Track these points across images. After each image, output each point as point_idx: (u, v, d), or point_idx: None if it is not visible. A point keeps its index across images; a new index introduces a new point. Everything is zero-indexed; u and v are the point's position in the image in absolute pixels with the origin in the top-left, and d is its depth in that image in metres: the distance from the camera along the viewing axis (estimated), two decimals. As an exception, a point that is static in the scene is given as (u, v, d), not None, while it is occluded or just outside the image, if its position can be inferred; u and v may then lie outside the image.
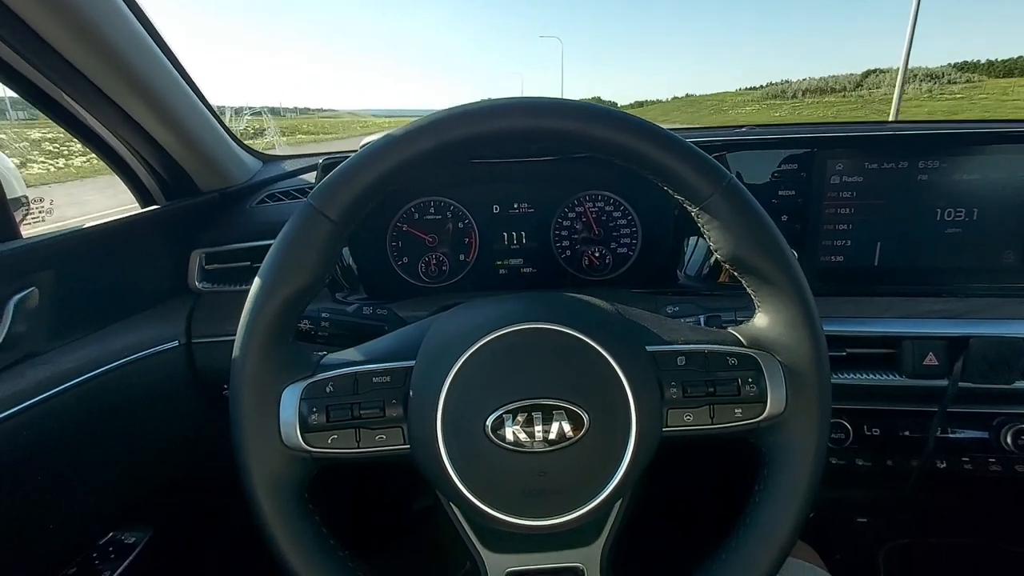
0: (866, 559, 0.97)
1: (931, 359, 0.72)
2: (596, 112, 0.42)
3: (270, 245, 0.43)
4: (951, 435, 0.77)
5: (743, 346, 0.46)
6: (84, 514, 0.71)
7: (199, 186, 0.90)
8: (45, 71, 0.65)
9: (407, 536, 1.19)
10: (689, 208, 0.45)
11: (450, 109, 0.42)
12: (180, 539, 0.92)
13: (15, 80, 0.66)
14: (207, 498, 0.98)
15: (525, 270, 0.94)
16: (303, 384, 0.43)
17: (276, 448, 0.42)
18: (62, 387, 0.64)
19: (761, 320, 0.46)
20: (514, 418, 0.40)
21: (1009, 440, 0.74)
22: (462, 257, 0.93)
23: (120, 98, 0.71)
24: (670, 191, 0.44)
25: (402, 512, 1.23)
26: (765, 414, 0.44)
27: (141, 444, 0.77)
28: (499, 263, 0.94)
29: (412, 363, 0.45)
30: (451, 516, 0.48)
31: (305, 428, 0.42)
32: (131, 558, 0.78)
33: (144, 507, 0.84)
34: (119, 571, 0.75)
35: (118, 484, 0.75)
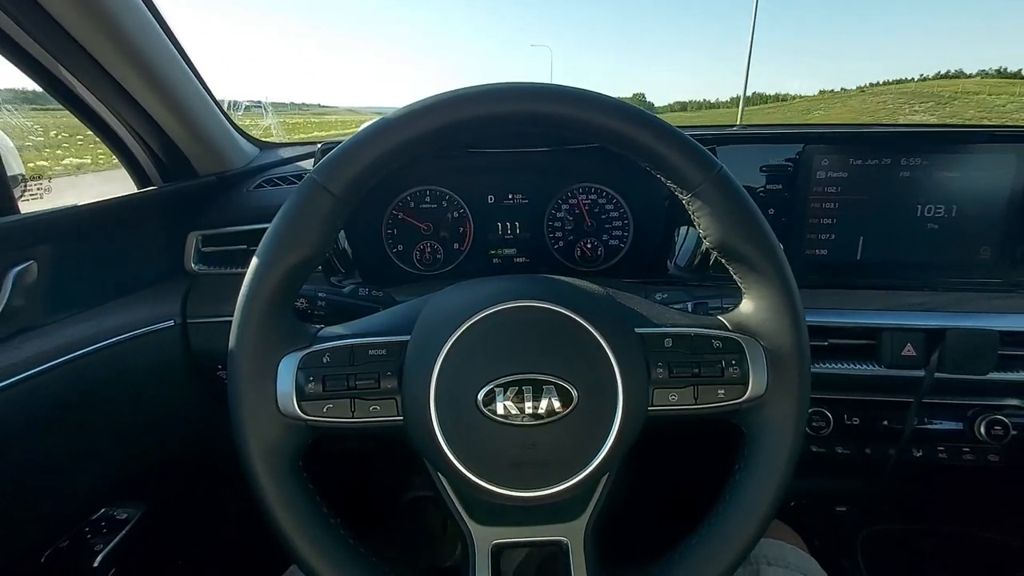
0: (844, 545, 0.99)
1: (909, 350, 0.74)
2: (592, 99, 0.43)
3: (267, 228, 0.43)
4: (927, 425, 0.80)
5: (728, 330, 0.47)
6: (76, 489, 0.71)
7: (197, 169, 0.90)
8: (47, 46, 0.65)
9: (393, 528, 1.20)
10: (680, 195, 0.46)
11: (452, 91, 0.43)
12: (172, 517, 0.93)
13: (16, 53, 0.66)
14: (199, 477, 0.98)
15: (518, 260, 0.95)
16: (300, 354, 0.44)
17: (272, 415, 0.43)
18: (56, 361, 0.64)
19: (746, 306, 0.48)
20: (505, 392, 0.41)
21: (983, 430, 0.76)
22: (456, 246, 0.94)
23: (122, 76, 0.71)
24: (662, 178, 0.46)
25: (388, 505, 1.24)
26: (747, 395, 0.45)
27: (134, 422, 0.78)
28: (493, 252, 0.95)
29: (407, 338, 0.46)
30: (440, 490, 0.48)
31: (301, 397, 0.43)
32: (123, 533, 0.78)
33: (137, 485, 0.84)
34: (111, 546, 0.76)
35: (110, 461, 0.76)
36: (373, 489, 1.26)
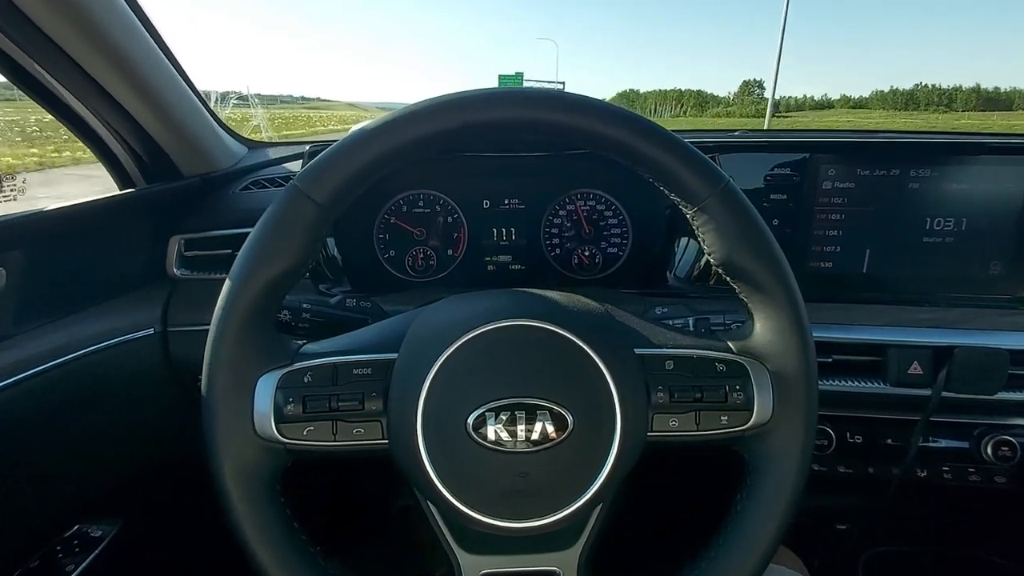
0: (846, 566, 0.98)
1: (916, 368, 0.72)
2: (595, 107, 0.41)
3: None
4: (932, 444, 0.78)
5: (732, 353, 0.46)
6: (49, 505, 0.69)
7: (180, 170, 0.87)
8: (20, 42, 0.62)
9: (383, 537, 1.18)
10: (684, 209, 0.44)
11: (444, 96, 0.41)
12: (150, 532, 0.90)
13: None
14: (178, 491, 0.96)
15: (514, 267, 0.93)
16: (280, 372, 0.42)
17: (248, 437, 0.41)
18: (29, 373, 0.62)
19: (751, 327, 0.46)
20: (496, 416, 0.39)
21: (989, 451, 0.75)
22: (450, 252, 0.92)
23: (99, 73, 0.68)
24: (665, 191, 0.44)
25: (378, 513, 1.22)
26: (751, 422, 0.43)
27: (111, 434, 0.76)
28: (488, 259, 0.93)
29: (395, 356, 0.44)
30: (428, 515, 0.47)
31: (280, 418, 0.41)
32: (97, 551, 0.76)
33: (113, 499, 0.82)
34: (84, 565, 0.73)
35: (86, 475, 0.73)
36: (361, 499, 1.24)
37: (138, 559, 0.87)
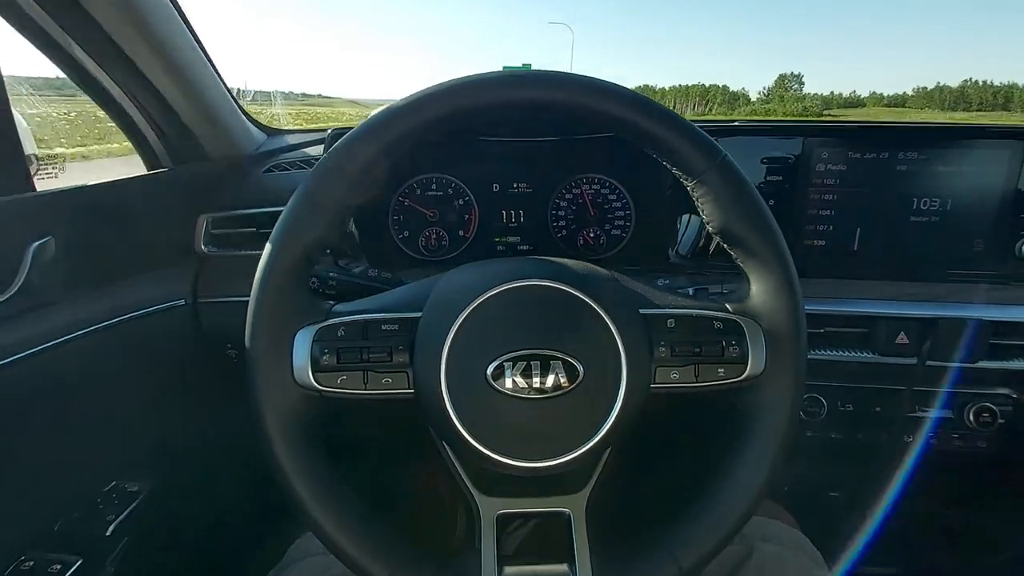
0: (837, 527, 1.02)
1: (902, 338, 0.76)
2: (603, 87, 0.45)
3: (277, 212, 0.45)
4: (918, 412, 0.82)
5: (729, 312, 0.49)
6: (88, 461, 0.73)
7: (207, 152, 0.91)
8: (66, 25, 0.66)
9: (401, 506, 1.22)
10: (685, 182, 0.48)
11: (465, 77, 0.45)
12: (182, 491, 0.94)
13: (33, 31, 0.67)
14: (208, 453, 1.00)
15: (522, 247, 0.96)
16: (316, 327, 0.46)
17: (288, 385, 0.44)
18: (70, 336, 0.66)
19: (747, 289, 0.49)
20: (514, 367, 0.43)
21: (971, 417, 0.79)
22: (461, 233, 0.95)
23: (138, 57, 0.72)
24: (667, 165, 0.47)
25: (396, 486, 1.26)
26: (745, 374, 0.47)
27: (145, 397, 0.79)
28: (497, 240, 0.96)
29: (419, 314, 0.47)
30: (447, 463, 0.50)
31: (316, 368, 0.44)
32: (134, 506, 0.80)
33: (147, 458, 0.86)
34: (121, 518, 0.77)
35: (122, 434, 0.77)
36: (379, 472, 1.28)
37: (173, 513, 0.91)
